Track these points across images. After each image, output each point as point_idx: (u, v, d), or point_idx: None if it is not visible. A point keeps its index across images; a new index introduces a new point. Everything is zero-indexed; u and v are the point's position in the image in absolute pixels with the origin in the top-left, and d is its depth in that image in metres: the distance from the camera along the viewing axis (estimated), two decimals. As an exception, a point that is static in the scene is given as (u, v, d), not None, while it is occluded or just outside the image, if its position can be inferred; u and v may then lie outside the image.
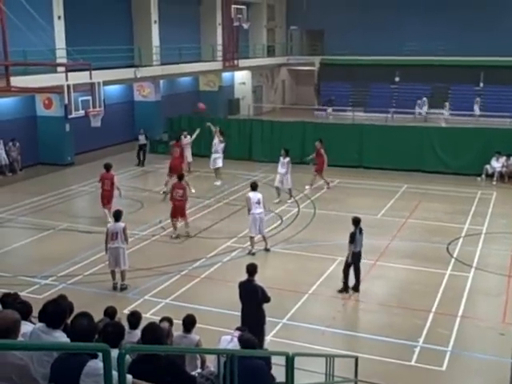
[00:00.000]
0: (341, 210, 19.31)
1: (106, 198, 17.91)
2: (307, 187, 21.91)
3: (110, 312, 8.45)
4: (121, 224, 13.29)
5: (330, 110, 39.52)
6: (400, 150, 24.61)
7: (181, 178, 17.05)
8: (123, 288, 13.43)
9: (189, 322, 8.47)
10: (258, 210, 15.49)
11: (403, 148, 24.59)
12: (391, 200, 20.70)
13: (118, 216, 13.42)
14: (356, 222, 13.40)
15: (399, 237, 17.02)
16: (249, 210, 15.57)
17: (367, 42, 40.17)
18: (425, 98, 38.78)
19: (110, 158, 26.47)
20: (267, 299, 10.35)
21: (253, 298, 10.26)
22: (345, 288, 13.22)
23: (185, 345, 8.34)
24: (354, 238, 13.14)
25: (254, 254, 15.49)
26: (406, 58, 39.56)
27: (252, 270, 10.38)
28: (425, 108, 38.74)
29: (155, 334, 6.13)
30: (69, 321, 7.14)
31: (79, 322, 5.51)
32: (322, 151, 22.26)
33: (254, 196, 15.60)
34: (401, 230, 17.66)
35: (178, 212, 16.67)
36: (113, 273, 13.44)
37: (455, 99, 38.87)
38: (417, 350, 10.95)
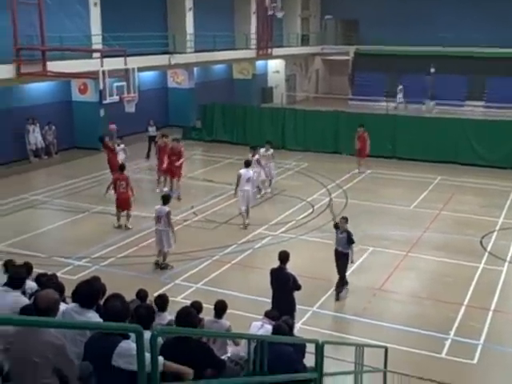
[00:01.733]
0: (373, 201, 19.19)
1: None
2: (356, 171, 22.75)
3: (142, 295, 8.52)
4: (165, 208, 13.54)
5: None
6: (434, 141, 24.31)
7: (122, 169, 16.52)
8: (163, 267, 13.70)
9: (220, 308, 8.46)
10: (245, 187, 16.37)
11: (438, 139, 24.28)
12: (424, 192, 20.48)
13: (165, 200, 13.70)
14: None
15: (432, 228, 16.84)
16: (236, 186, 16.45)
17: (402, 32, 39.63)
18: (401, 86, 38.50)
19: (143, 144, 26.78)
20: (298, 287, 10.37)
21: (284, 286, 10.30)
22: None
23: (215, 330, 8.38)
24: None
25: (246, 226, 16.49)
26: (441, 49, 38.96)
27: (284, 257, 10.40)
28: (400, 95, 38.50)
29: (188, 318, 6.18)
30: (101, 302, 7.25)
31: (112, 303, 5.57)
32: (366, 135, 22.79)
33: (246, 173, 16.38)
34: (433, 221, 17.47)
35: (123, 204, 16.21)
36: (159, 252, 13.82)
37: (492, 91, 38.18)
38: (447, 342, 10.86)
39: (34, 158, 24.49)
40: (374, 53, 40.68)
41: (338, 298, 12.46)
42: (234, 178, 21.47)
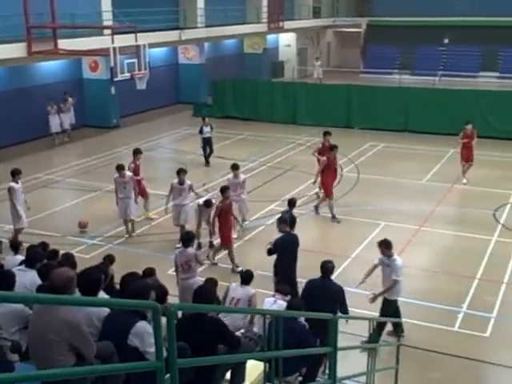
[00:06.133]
0: (385, 175, 19.16)
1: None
2: (464, 181, 18.36)
3: (147, 273, 8.32)
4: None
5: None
6: (447, 113, 24.09)
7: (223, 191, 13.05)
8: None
9: (247, 276, 9.01)
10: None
11: (451, 112, 24.05)
12: (437, 165, 20.41)
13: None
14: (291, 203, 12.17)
15: (445, 202, 16.81)
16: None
17: (416, 3, 39.14)
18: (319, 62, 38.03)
19: (154, 121, 26.84)
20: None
21: (294, 248, 10.71)
22: None
23: (240, 294, 8.90)
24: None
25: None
26: (455, 19, 38.43)
27: (285, 220, 10.88)
28: (319, 70, 37.39)
29: (204, 296, 6.28)
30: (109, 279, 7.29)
31: (133, 282, 5.65)
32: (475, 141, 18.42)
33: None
34: (446, 195, 17.43)
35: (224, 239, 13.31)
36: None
37: (506, 61, 37.70)
38: (460, 315, 10.91)
39: (56, 136, 24.17)
40: (387, 24, 40.22)
41: None
42: (246, 154, 21.60)
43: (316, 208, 15.95)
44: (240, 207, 14.49)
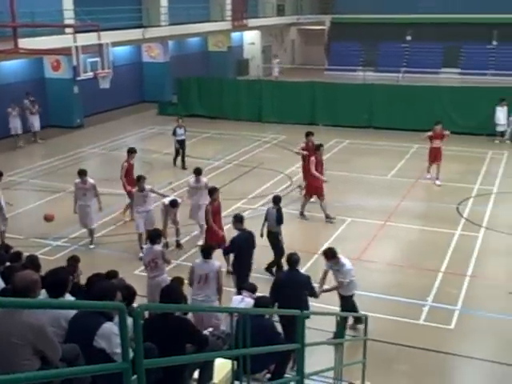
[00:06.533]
0: (350, 171, 19.32)
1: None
2: (438, 182, 18.08)
3: (111, 276, 8.17)
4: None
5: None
6: (411, 110, 24.41)
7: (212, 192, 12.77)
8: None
9: (207, 249, 9.47)
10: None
11: (414, 108, 24.37)
12: (401, 160, 20.66)
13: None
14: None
15: (409, 197, 17.03)
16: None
17: (378, 0, 39.54)
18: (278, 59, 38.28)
19: (119, 120, 26.58)
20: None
21: (249, 246, 10.89)
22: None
23: (207, 269, 9.19)
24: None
25: None
26: (417, 16, 38.94)
27: (241, 218, 11.21)
28: (277, 69, 37.39)
29: (172, 295, 6.26)
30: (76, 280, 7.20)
31: (99, 283, 5.59)
32: (447, 133, 18.26)
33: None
34: (411, 190, 17.66)
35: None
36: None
37: (467, 58, 38.32)
38: (425, 308, 11.07)
39: (17, 137, 23.50)
40: (350, 22, 40.53)
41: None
42: (212, 152, 21.58)
43: (326, 216, 15.32)
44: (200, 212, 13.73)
